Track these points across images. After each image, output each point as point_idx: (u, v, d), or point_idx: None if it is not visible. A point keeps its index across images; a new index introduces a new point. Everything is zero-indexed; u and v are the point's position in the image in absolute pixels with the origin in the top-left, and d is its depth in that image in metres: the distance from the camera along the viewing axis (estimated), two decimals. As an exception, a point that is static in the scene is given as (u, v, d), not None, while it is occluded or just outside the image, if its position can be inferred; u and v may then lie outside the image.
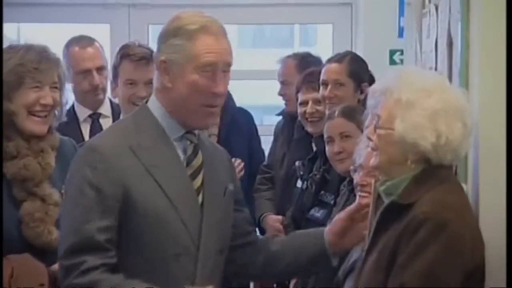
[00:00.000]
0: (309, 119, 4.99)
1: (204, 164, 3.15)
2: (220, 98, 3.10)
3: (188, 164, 3.10)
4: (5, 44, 3.60)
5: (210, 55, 3.01)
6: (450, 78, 3.70)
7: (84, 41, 5.27)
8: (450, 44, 3.71)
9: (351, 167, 3.87)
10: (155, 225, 2.93)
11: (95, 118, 5.17)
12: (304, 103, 5.02)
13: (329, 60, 4.97)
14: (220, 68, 3.05)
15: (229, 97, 5.88)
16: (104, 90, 5.23)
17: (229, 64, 3.11)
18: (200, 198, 3.12)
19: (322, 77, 4.84)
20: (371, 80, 4.88)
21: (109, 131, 3.21)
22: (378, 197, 3.26)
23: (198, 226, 3.03)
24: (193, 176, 3.10)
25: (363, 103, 4.40)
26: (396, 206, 3.07)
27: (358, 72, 4.81)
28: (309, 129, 5.02)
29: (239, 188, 3.48)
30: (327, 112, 4.63)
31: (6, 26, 3.81)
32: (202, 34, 3.00)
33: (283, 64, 5.81)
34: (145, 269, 2.94)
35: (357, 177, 3.77)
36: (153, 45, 7.12)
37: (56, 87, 3.53)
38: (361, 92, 4.84)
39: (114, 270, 2.95)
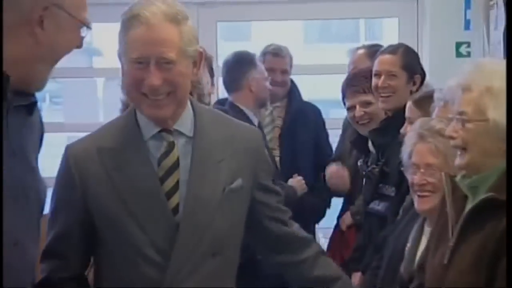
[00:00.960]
0: (360, 122, 4.96)
1: (193, 163, 2.91)
2: (154, 90, 2.81)
3: (159, 164, 2.86)
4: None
5: (139, 50, 2.79)
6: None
7: None
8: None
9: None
10: (111, 231, 2.81)
11: None
12: (352, 107, 4.99)
13: (383, 52, 4.93)
14: (152, 62, 2.79)
15: (295, 91, 5.89)
16: None
17: (163, 58, 2.79)
18: (175, 200, 2.89)
19: (375, 68, 4.83)
20: (423, 73, 4.93)
21: (96, 131, 3.00)
22: (453, 191, 3.13)
23: (167, 231, 2.81)
24: (165, 177, 2.86)
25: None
26: (493, 202, 2.97)
27: (411, 64, 4.79)
28: (361, 131, 4.99)
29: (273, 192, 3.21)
30: (379, 103, 4.66)
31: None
32: (132, 25, 2.78)
33: (353, 54, 5.78)
34: (112, 274, 2.86)
35: (414, 177, 3.66)
36: (220, 42, 7.24)
37: None
38: (414, 84, 4.82)
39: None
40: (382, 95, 4.72)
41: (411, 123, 4.07)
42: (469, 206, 3.05)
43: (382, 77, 4.76)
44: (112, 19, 3.83)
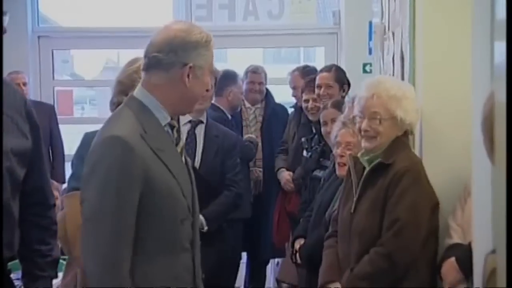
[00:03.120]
0: (310, 112, 5.01)
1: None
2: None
3: (176, 145, 2.54)
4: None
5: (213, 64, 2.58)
6: (402, 80, 3.73)
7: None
8: (402, 58, 3.73)
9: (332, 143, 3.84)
10: (167, 198, 2.41)
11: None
12: (307, 100, 5.04)
13: (321, 70, 4.99)
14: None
15: (269, 96, 6.00)
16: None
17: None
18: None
19: (317, 81, 4.85)
20: (349, 83, 4.94)
21: (117, 121, 2.47)
22: (355, 165, 3.19)
23: (191, 197, 2.54)
24: (181, 155, 2.56)
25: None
26: (381, 165, 3.05)
27: (341, 78, 4.85)
28: (310, 118, 5.04)
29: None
30: (321, 106, 4.64)
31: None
32: (212, 46, 2.50)
33: (292, 75, 5.85)
34: (159, 232, 2.39)
35: (337, 151, 3.67)
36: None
37: None
38: (343, 91, 4.87)
39: None
40: (323, 100, 4.71)
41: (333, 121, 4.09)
42: (366, 171, 3.12)
43: (322, 88, 4.79)
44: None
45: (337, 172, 3.72)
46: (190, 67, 2.42)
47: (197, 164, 4.27)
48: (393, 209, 2.95)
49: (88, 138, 3.14)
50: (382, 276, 2.97)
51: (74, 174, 3.22)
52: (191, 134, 4.36)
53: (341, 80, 4.88)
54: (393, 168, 3.00)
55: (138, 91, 2.50)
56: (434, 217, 3.00)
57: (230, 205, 4.41)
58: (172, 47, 2.43)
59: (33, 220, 2.60)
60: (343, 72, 4.94)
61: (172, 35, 2.45)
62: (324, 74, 4.87)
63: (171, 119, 2.50)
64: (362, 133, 3.10)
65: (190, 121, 4.36)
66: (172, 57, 2.42)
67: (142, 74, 2.51)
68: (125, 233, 2.32)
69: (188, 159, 2.64)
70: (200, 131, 4.39)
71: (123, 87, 3.14)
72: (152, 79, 2.46)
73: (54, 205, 2.68)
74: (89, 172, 2.38)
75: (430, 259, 3.00)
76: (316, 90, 4.83)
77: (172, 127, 2.52)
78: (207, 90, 2.59)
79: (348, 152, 3.59)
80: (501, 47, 1.11)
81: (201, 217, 3.84)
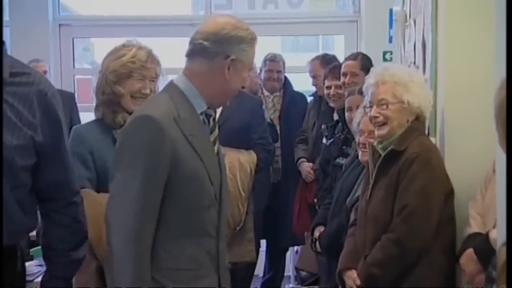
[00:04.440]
0: (332, 98, 4.96)
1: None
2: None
3: (210, 133, 2.57)
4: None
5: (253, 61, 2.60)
6: (424, 69, 3.70)
7: None
8: (424, 46, 3.70)
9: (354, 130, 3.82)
10: (195, 183, 2.43)
11: None
12: (329, 87, 5.00)
13: (347, 58, 4.93)
14: None
15: (287, 84, 5.98)
16: None
17: None
18: None
19: (342, 69, 4.79)
20: None
21: (152, 103, 2.55)
22: (373, 153, 3.20)
23: (219, 186, 2.54)
24: (213, 144, 2.59)
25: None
26: (394, 152, 3.05)
27: (367, 66, 4.75)
28: (332, 104, 4.99)
29: None
30: (346, 93, 4.59)
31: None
32: (255, 44, 2.56)
33: (311, 63, 5.81)
34: (184, 218, 2.44)
35: (360, 138, 3.65)
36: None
37: (153, 81, 3.18)
38: None
39: None
40: (348, 88, 4.63)
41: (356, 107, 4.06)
42: (380, 159, 3.13)
43: (348, 76, 4.72)
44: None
45: (360, 158, 3.69)
46: (232, 60, 2.47)
47: None
48: (403, 195, 2.96)
49: (77, 133, 3.11)
50: (393, 262, 2.97)
51: None
52: None
53: (367, 68, 4.76)
54: (405, 155, 3.00)
55: (178, 78, 2.54)
56: (448, 203, 2.99)
57: None
58: (218, 38, 2.47)
59: (51, 216, 2.56)
60: (369, 60, 4.89)
61: (220, 27, 2.49)
62: (350, 62, 4.82)
63: (208, 108, 2.53)
64: (373, 121, 3.12)
65: None
66: (217, 47, 2.47)
67: (185, 60, 2.55)
68: (149, 210, 2.36)
69: (221, 149, 2.65)
70: None
71: (118, 77, 3.11)
72: (195, 66, 2.51)
73: (76, 202, 2.60)
74: (119, 150, 2.44)
75: (446, 246, 2.99)
76: (342, 78, 4.78)
77: (208, 116, 2.55)
78: (242, 87, 2.59)
79: (370, 141, 3.57)
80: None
81: None
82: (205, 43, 2.48)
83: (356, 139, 3.76)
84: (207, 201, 2.48)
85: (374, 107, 3.10)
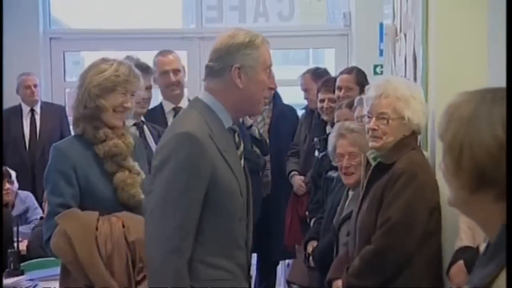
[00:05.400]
0: (325, 112, 4.96)
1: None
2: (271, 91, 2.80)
3: (237, 148, 2.62)
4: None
5: (269, 60, 2.61)
6: (415, 82, 3.70)
7: (165, 51, 4.95)
8: (414, 59, 3.70)
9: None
10: (230, 197, 2.49)
11: (177, 110, 4.65)
12: (322, 100, 5.00)
13: (342, 72, 4.93)
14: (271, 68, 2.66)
15: (277, 97, 5.92)
16: (180, 88, 4.81)
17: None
18: None
19: (337, 83, 4.77)
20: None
21: (185, 120, 2.54)
22: (366, 163, 3.20)
23: (247, 199, 2.61)
24: (240, 158, 2.62)
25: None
26: (383, 165, 3.06)
27: (362, 80, 4.77)
28: (325, 117, 4.99)
29: None
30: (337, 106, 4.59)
31: (119, 54, 3.59)
32: (262, 45, 2.56)
33: (303, 77, 5.80)
34: (220, 230, 2.49)
35: (342, 163, 3.66)
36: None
37: (133, 95, 3.17)
38: (364, 94, 4.79)
39: None
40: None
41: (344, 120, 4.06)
42: (369, 171, 3.14)
43: (343, 90, 4.70)
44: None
45: (345, 182, 3.71)
46: (238, 68, 2.50)
47: None
48: (387, 209, 2.97)
49: (58, 150, 3.08)
50: (371, 273, 2.99)
51: (55, 190, 3.03)
52: (143, 138, 4.02)
53: (362, 83, 4.80)
54: (392, 169, 3.02)
55: (202, 94, 2.59)
56: (432, 217, 3.01)
57: None
58: (219, 54, 2.53)
59: None
60: (364, 75, 4.88)
61: (219, 43, 2.55)
62: (345, 76, 4.81)
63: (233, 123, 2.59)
64: (370, 132, 3.10)
65: (134, 124, 4.04)
66: (220, 63, 2.52)
67: (204, 83, 2.60)
68: (189, 224, 2.42)
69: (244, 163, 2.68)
70: (147, 132, 4.13)
71: (102, 91, 3.08)
72: (211, 85, 2.56)
73: None
74: (159, 165, 2.46)
75: (429, 258, 3.01)
76: (336, 92, 4.76)
77: (233, 131, 2.60)
78: (270, 89, 2.59)
79: (353, 163, 3.60)
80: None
81: None
82: (210, 63, 2.54)
83: (336, 163, 3.75)
84: (239, 214, 2.54)
85: (374, 119, 3.08)
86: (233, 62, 2.51)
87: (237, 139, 2.61)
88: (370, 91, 3.16)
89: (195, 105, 2.58)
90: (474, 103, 1.49)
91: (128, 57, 3.92)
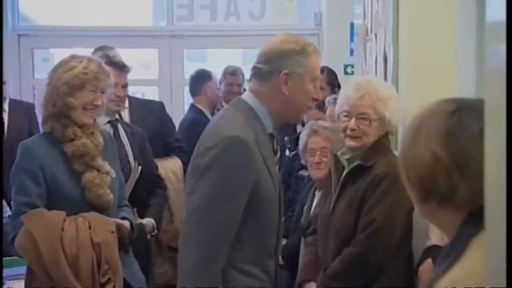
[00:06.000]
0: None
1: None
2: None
3: (275, 155, 2.57)
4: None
5: (318, 71, 2.57)
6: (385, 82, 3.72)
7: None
8: (385, 59, 3.72)
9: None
10: (269, 206, 2.46)
11: None
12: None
13: None
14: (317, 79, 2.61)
15: None
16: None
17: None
18: None
19: None
20: (339, 85, 4.87)
21: (231, 123, 2.45)
22: (336, 163, 3.16)
23: (279, 208, 2.55)
24: (276, 165, 2.58)
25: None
26: (361, 167, 3.03)
27: (333, 80, 4.79)
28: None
29: None
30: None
31: (88, 51, 3.52)
32: (313, 54, 2.52)
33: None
34: (257, 239, 2.45)
35: (313, 158, 3.66)
36: (186, 63, 7.19)
37: (104, 92, 3.12)
38: (334, 93, 4.76)
39: None
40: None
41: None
42: (345, 172, 3.10)
43: None
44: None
45: (315, 176, 3.71)
46: (287, 74, 2.46)
47: (134, 164, 3.89)
48: (370, 212, 2.95)
49: (26, 148, 3.03)
50: (353, 275, 2.97)
51: (21, 188, 2.97)
52: (117, 136, 3.87)
53: (333, 83, 4.83)
54: (373, 171, 3.00)
55: (246, 96, 2.55)
56: (408, 219, 3.01)
57: (164, 204, 4.18)
58: (268, 56, 2.49)
59: None
60: (335, 75, 4.89)
61: (270, 46, 2.52)
62: None
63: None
64: (348, 132, 3.07)
65: (109, 122, 3.89)
66: (269, 66, 2.48)
67: (248, 83, 2.58)
68: (228, 230, 2.38)
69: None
70: (121, 130, 4.01)
71: (70, 89, 3.04)
72: (256, 87, 2.52)
73: None
74: (206, 167, 2.38)
75: (405, 260, 3.02)
76: None
77: (273, 137, 2.55)
78: (314, 99, 2.58)
79: (324, 159, 3.60)
80: (498, 49, 1.08)
81: (151, 220, 3.76)
82: (259, 65, 2.50)
83: (305, 160, 3.75)
84: (274, 223, 2.52)
85: (353, 119, 3.05)
86: (283, 67, 2.47)
87: (275, 145, 2.57)
88: (350, 90, 3.12)
89: (238, 106, 2.53)
90: (423, 117, 1.54)
91: (104, 54, 3.88)
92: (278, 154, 2.60)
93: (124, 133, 3.96)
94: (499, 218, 1.04)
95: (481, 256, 1.30)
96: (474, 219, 1.42)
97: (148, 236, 3.75)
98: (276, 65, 2.47)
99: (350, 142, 3.08)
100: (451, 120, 1.49)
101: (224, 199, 2.36)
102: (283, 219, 2.68)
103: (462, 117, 1.49)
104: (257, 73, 2.52)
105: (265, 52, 2.51)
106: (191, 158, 2.52)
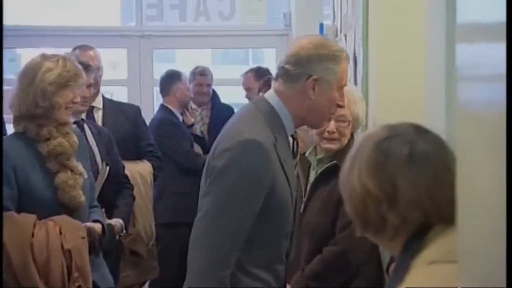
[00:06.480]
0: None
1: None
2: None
3: (294, 158, 2.55)
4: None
5: (346, 78, 2.53)
6: (355, 83, 3.73)
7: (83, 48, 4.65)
8: (355, 60, 3.74)
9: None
10: (283, 211, 2.42)
11: (89, 110, 4.27)
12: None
13: None
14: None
15: (215, 97, 5.94)
16: (95, 87, 4.26)
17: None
18: None
19: None
20: None
21: (250, 125, 2.41)
22: (302, 163, 3.15)
23: (294, 212, 2.53)
24: (294, 168, 2.57)
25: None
26: (336, 167, 2.95)
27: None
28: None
29: None
30: None
31: (55, 51, 3.48)
32: (344, 61, 2.46)
33: (245, 76, 5.83)
34: (269, 243, 2.43)
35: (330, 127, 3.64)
36: (155, 64, 7.17)
37: (79, 89, 3.13)
38: None
39: None
40: None
41: None
42: (313, 172, 3.10)
43: None
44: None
45: (328, 147, 3.58)
46: (315, 80, 2.41)
47: (102, 164, 3.84)
48: (347, 213, 2.93)
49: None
50: (333, 275, 2.98)
51: None
52: (84, 136, 3.71)
53: None
54: None
55: (270, 95, 2.49)
56: None
57: (132, 205, 4.11)
58: (298, 59, 2.42)
59: None
60: None
61: (300, 47, 2.44)
62: None
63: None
64: (327, 134, 3.05)
65: (75, 122, 3.76)
66: (298, 69, 2.42)
67: (272, 82, 2.50)
68: (239, 235, 2.34)
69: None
70: (88, 131, 3.93)
71: (57, 88, 3.01)
72: (281, 88, 2.46)
73: None
74: (221, 169, 2.34)
75: (377, 259, 3.04)
76: None
77: (293, 139, 2.51)
78: (339, 105, 2.53)
79: (342, 125, 3.56)
80: (463, 49, 1.10)
81: (120, 220, 3.73)
82: (287, 66, 2.44)
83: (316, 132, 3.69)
84: (287, 228, 2.48)
85: (333, 121, 3.03)
86: (312, 72, 2.41)
87: (295, 148, 2.53)
88: None
89: (260, 106, 2.48)
90: (358, 147, 1.57)
91: (67, 54, 3.83)
92: (297, 158, 2.56)
93: (90, 134, 3.92)
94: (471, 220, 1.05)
95: (422, 279, 1.36)
96: (411, 245, 1.46)
97: (117, 237, 3.72)
98: (306, 69, 2.42)
99: (328, 145, 3.07)
100: (379, 150, 1.51)
101: (237, 203, 2.33)
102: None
103: (389, 144, 1.51)
104: (284, 74, 2.45)
105: (295, 53, 2.44)
106: (207, 157, 2.48)
